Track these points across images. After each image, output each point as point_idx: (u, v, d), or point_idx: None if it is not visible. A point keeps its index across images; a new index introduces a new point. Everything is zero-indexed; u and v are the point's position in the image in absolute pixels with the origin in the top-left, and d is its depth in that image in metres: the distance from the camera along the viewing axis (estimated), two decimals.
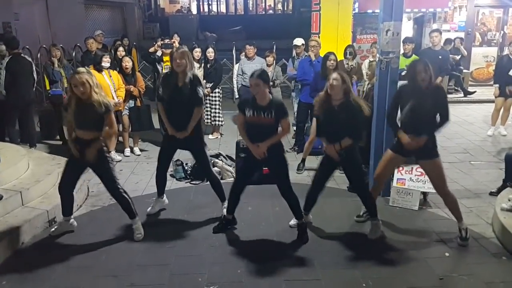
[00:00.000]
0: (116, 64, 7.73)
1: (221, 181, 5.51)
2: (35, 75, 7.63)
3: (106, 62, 6.90)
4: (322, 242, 4.64)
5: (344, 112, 4.40)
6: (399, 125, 4.55)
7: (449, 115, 4.39)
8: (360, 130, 4.57)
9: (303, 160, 6.72)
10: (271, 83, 8.14)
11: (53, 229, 4.80)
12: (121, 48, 8.48)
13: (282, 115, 4.39)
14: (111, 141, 7.14)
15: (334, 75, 4.43)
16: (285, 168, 4.59)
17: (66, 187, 4.64)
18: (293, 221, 4.84)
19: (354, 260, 4.31)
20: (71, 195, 4.74)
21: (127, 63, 7.29)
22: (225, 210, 4.98)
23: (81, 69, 4.39)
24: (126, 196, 4.66)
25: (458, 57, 11.82)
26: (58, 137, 8.23)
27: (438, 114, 4.39)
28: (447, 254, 4.39)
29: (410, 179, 5.43)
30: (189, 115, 4.80)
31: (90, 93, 4.26)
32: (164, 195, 5.38)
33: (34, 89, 7.85)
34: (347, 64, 7.51)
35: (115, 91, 6.90)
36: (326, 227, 4.93)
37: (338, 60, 7.05)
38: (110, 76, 6.93)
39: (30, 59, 7.80)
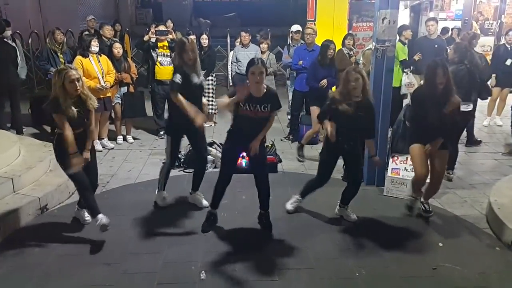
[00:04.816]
0: (105, 48, 7.60)
1: (216, 169, 5.50)
2: (19, 61, 7.54)
3: (95, 46, 6.69)
4: (316, 231, 4.68)
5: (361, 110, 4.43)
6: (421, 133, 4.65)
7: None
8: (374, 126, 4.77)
9: (302, 146, 6.70)
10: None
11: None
12: (108, 27, 8.37)
13: (276, 107, 4.32)
14: (103, 128, 7.13)
15: (354, 74, 4.35)
16: (265, 156, 4.76)
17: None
18: (290, 206, 4.99)
19: (348, 249, 4.36)
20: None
21: (119, 49, 7.21)
22: (204, 201, 5.02)
23: (70, 65, 4.29)
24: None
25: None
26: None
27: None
28: (440, 244, 4.44)
29: (404, 169, 5.45)
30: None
31: (81, 90, 4.23)
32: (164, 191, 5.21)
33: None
34: (348, 53, 7.50)
35: (103, 76, 6.74)
36: (319, 216, 4.97)
37: (338, 49, 7.04)
38: (99, 62, 6.75)
39: (14, 44, 7.72)
